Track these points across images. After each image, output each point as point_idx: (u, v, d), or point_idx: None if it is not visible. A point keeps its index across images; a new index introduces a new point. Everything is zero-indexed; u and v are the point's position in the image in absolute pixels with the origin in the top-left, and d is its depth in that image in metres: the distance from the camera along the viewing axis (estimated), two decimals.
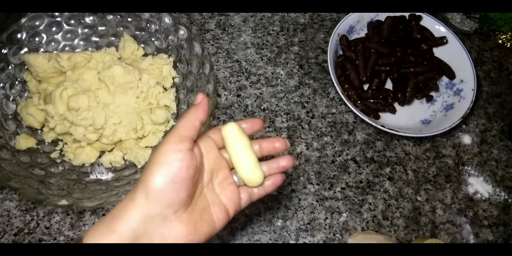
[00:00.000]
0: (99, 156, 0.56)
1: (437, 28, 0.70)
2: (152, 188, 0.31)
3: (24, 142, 0.53)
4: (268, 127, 0.63)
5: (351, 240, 0.56)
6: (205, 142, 0.38)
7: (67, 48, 0.60)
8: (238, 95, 0.65)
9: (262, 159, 0.40)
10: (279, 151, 0.40)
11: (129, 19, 0.60)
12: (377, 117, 0.64)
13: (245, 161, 0.37)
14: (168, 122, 0.57)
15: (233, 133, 0.38)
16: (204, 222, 0.35)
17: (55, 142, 0.56)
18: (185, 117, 0.35)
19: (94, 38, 0.61)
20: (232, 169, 0.40)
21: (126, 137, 0.54)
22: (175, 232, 0.32)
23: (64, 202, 0.47)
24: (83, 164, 0.55)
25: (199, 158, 0.35)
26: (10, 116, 0.54)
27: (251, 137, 0.40)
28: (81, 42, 0.60)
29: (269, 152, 0.40)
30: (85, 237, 0.32)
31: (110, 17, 0.59)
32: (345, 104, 0.64)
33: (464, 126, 0.68)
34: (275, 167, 0.40)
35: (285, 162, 0.40)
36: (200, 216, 0.35)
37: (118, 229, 0.31)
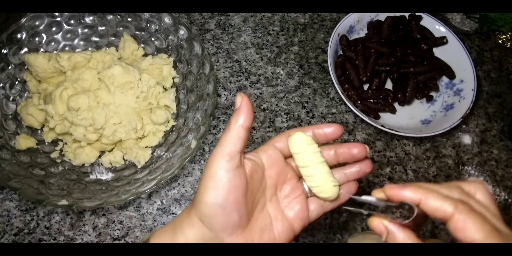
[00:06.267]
0: (99, 156, 0.56)
1: (437, 28, 0.70)
2: (203, 214, 0.31)
3: (24, 142, 0.53)
4: (268, 127, 0.63)
5: (351, 240, 0.56)
6: (268, 154, 0.35)
7: (67, 48, 0.60)
8: None
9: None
10: (358, 158, 0.35)
11: (129, 19, 0.60)
12: (377, 117, 0.64)
13: (316, 176, 0.33)
14: (168, 122, 0.57)
15: (299, 145, 0.34)
16: (263, 242, 0.33)
17: (55, 142, 0.56)
18: (228, 129, 0.32)
19: (94, 38, 0.61)
20: (301, 177, 0.36)
21: (126, 137, 0.54)
22: None
23: (64, 202, 0.47)
24: (83, 164, 0.55)
25: (251, 173, 0.32)
26: (10, 116, 0.54)
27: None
28: (81, 42, 0.60)
29: (346, 159, 0.36)
30: (152, 242, 0.32)
31: (110, 17, 0.59)
32: (345, 104, 0.64)
33: (464, 126, 0.68)
34: (354, 173, 0.36)
35: (363, 166, 0.35)
36: (259, 235, 0.33)
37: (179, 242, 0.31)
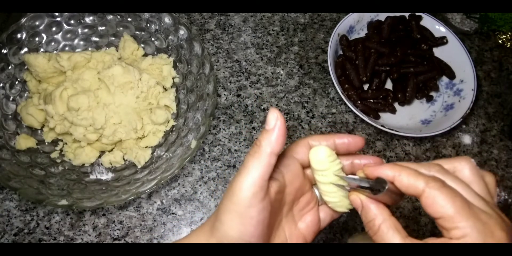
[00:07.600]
0: (99, 156, 0.56)
1: (437, 28, 0.70)
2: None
3: (24, 142, 0.53)
4: None
5: (351, 240, 0.56)
6: (290, 170, 0.33)
7: (67, 48, 0.60)
8: (238, 95, 0.65)
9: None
10: None
11: (129, 19, 0.60)
12: (377, 117, 0.64)
13: (336, 192, 0.33)
14: (168, 122, 0.57)
15: (323, 160, 0.32)
16: None
17: (55, 142, 0.56)
18: (257, 153, 0.29)
19: (94, 38, 0.61)
20: (314, 184, 0.36)
21: (126, 137, 0.54)
22: None
23: (64, 202, 0.47)
24: (83, 164, 0.55)
25: (275, 196, 0.30)
26: (10, 116, 0.54)
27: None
28: (81, 42, 0.60)
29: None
30: None
31: (110, 17, 0.59)
32: (345, 104, 0.64)
33: (464, 126, 0.68)
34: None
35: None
36: None
37: None
